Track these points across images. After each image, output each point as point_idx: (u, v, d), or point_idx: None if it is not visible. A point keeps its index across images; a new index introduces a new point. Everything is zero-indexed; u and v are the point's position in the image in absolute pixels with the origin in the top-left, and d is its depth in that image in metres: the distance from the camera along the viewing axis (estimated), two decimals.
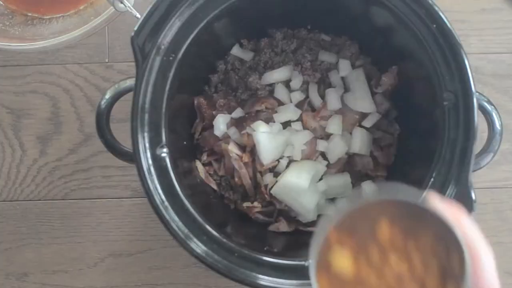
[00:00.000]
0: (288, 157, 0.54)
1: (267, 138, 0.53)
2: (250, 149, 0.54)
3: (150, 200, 0.44)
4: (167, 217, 0.44)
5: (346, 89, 0.56)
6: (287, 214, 0.55)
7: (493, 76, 0.62)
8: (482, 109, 0.47)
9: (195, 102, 0.55)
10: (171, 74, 0.45)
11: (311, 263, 0.31)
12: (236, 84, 0.56)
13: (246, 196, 0.55)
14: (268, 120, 0.54)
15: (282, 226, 0.54)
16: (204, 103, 0.55)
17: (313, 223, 0.54)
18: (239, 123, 0.54)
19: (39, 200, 0.62)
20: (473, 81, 0.44)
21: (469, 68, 0.44)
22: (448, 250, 0.30)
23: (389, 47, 0.52)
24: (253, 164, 0.54)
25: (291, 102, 0.55)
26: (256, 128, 0.53)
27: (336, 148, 0.54)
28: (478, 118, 0.44)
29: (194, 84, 0.55)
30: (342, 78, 0.56)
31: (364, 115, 0.55)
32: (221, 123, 0.54)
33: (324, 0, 0.51)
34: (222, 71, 0.57)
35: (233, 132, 0.54)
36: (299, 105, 0.55)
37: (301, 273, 0.43)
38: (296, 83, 0.55)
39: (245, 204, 0.54)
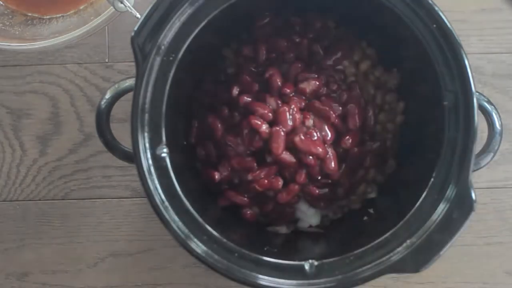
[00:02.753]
0: None
1: None
2: None
3: (150, 200, 0.44)
4: (167, 217, 0.44)
5: None
6: None
7: (493, 76, 0.62)
8: (482, 109, 0.47)
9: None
10: (171, 74, 0.45)
11: None
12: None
13: None
14: None
15: (281, 228, 0.54)
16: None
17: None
18: None
19: (39, 200, 0.62)
20: (473, 81, 0.44)
21: (469, 68, 0.44)
22: None
23: (388, 48, 0.52)
24: None
25: None
26: None
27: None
28: (478, 118, 0.44)
29: (194, 84, 0.55)
30: None
31: None
32: None
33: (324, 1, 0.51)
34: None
35: None
36: None
37: (301, 273, 0.43)
38: None
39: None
